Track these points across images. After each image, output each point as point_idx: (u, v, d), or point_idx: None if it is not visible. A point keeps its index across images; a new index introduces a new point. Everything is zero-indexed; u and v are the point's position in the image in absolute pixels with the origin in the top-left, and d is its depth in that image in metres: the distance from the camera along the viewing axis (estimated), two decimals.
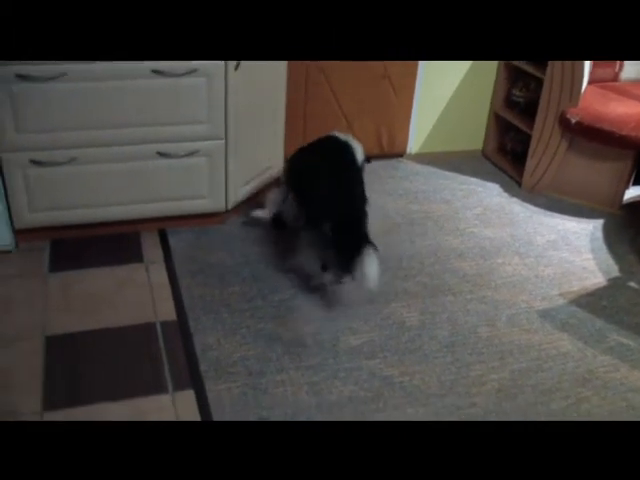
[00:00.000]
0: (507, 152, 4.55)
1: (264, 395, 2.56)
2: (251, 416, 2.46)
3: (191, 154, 3.25)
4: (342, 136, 3.40)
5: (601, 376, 2.85)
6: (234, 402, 2.51)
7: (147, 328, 2.83)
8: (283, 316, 2.97)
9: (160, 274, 3.15)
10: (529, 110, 4.28)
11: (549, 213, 3.96)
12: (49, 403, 2.44)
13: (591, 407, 2.70)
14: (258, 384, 2.61)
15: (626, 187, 4.19)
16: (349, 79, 4.07)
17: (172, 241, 3.37)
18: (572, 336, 3.04)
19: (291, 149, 3.65)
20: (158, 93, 3.07)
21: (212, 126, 3.24)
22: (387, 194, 4.00)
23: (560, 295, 3.29)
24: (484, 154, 4.65)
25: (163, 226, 3.44)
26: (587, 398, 2.74)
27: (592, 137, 3.96)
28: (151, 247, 3.33)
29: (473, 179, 4.28)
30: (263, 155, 3.63)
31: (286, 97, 3.64)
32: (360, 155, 3.33)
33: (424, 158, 4.48)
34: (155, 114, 3.12)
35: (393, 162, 4.42)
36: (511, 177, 4.34)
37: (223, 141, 3.30)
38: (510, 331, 3.02)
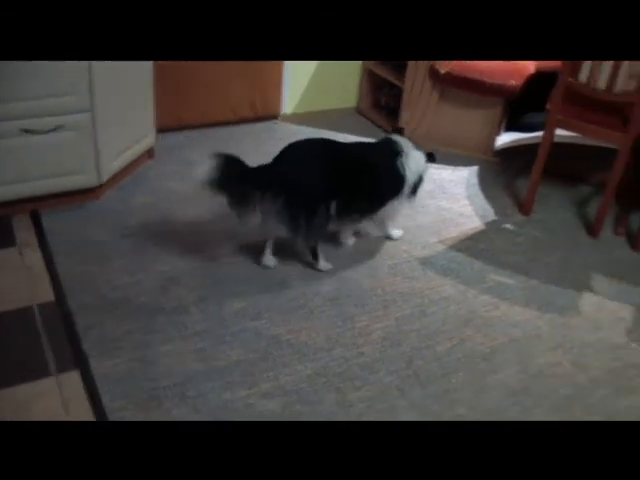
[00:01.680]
0: (382, 107, 4.66)
1: (151, 367, 2.56)
2: (140, 392, 2.46)
3: (57, 129, 3.17)
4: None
5: (483, 315, 2.99)
6: (121, 378, 2.50)
7: (24, 312, 2.76)
8: (165, 287, 2.96)
9: (35, 256, 3.08)
10: (401, 65, 4.37)
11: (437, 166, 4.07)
12: None
13: (474, 345, 2.83)
14: (144, 357, 2.61)
15: (497, 134, 4.37)
16: None
17: (46, 221, 3.29)
18: (453, 280, 3.17)
19: (163, 118, 3.62)
20: (18, 65, 2.96)
21: (77, 98, 3.16)
22: (263, 155, 3.99)
23: (440, 242, 3.42)
24: (359, 111, 4.74)
25: (36, 207, 3.35)
26: (470, 337, 2.87)
27: (462, 86, 4.09)
28: (24, 229, 3.24)
29: (350, 136, 4.34)
30: (134, 125, 3.59)
31: (153, 65, 3.59)
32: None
33: (300, 118, 4.52)
34: (15, 88, 3.01)
35: (269, 124, 4.45)
36: (387, 131, 4.42)
37: (89, 113, 3.23)
38: (392, 281, 3.12)
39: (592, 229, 3.66)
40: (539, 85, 3.98)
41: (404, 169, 3.18)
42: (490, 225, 3.62)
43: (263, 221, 2.96)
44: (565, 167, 4.27)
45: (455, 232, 3.51)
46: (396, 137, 3.29)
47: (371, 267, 3.20)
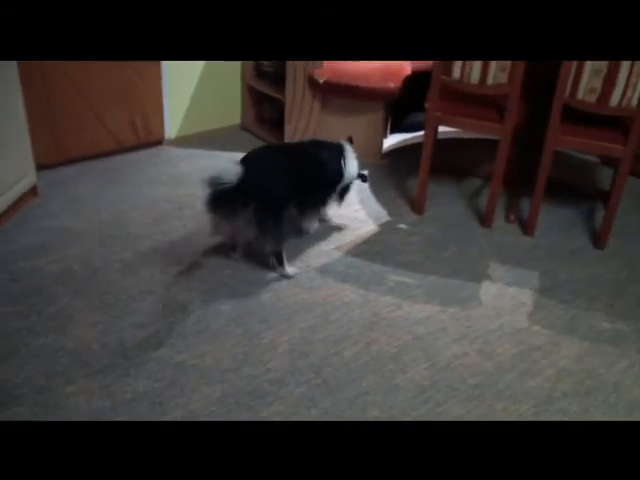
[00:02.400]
0: (265, 121, 4.68)
1: (56, 410, 2.49)
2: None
3: None
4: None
5: (386, 316, 3.03)
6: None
7: None
8: (63, 326, 2.89)
9: None
10: (279, 78, 4.40)
11: None
12: None
13: (381, 347, 2.87)
14: (47, 401, 2.53)
15: (384, 136, 4.45)
16: (90, 70, 3.96)
17: None
18: (353, 285, 3.21)
19: (44, 152, 3.52)
20: None
21: None
22: (151, 183, 3.98)
23: (336, 248, 3.45)
24: (244, 127, 4.75)
25: None
26: (376, 339, 2.91)
27: (341, 93, 4.16)
28: None
29: (237, 153, 4.33)
30: (11, 163, 3.48)
31: (23, 97, 3.50)
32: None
33: (185, 141, 4.50)
34: None
35: (153, 150, 4.40)
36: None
37: None
38: (293, 292, 3.13)
39: (484, 220, 3.77)
40: (419, 85, 4.08)
41: (344, 168, 3.44)
42: (385, 227, 3.68)
43: (239, 231, 3.17)
44: (453, 162, 4.39)
45: (351, 237, 3.56)
46: (345, 144, 3.54)
47: (270, 281, 3.20)
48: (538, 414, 2.64)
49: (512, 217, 3.86)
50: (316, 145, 3.47)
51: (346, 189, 3.56)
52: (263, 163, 3.18)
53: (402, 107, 4.49)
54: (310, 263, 3.34)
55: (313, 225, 3.61)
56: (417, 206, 3.82)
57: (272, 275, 3.24)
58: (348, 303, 3.09)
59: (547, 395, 2.74)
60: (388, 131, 4.62)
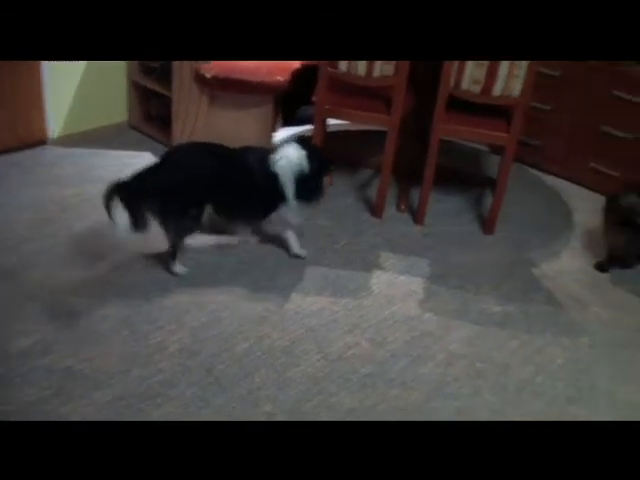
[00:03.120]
0: (154, 118, 4.62)
1: None
2: None
3: None
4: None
5: (277, 311, 3.06)
6: None
7: None
8: None
9: None
10: (166, 73, 4.35)
11: None
12: None
13: (272, 341, 2.89)
14: None
15: (274, 130, 4.46)
16: None
17: None
18: (246, 281, 3.23)
19: None
20: None
21: None
22: (35, 184, 3.88)
23: (227, 246, 3.45)
24: (131, 125, 4.67)
25: None
26: (267, 334, 2.93)
27: (229, 88, 4.14)
28: None
29: (124, 152, 4.29)
30: None
31: None
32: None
33: (70, 140, 4.39)
34: None
35: (37, 150, 4.27)
36: (162, 143, 4.40)
37: None
38: (183, 291, 3.12)
39: (375, 210, 3.84)
40: (309, 78, 4.11)
41: (279, 170, 3.19)
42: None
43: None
44: (344, 154, 4.44)
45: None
46: (286, 146, 3.27)
47: (159, 281, 3.17)
48: (429, 400, 2.71)
49: (403, 207, 3.94)
50: (254, 155, 3.26)
51: (305, 184, 3.24)
52: (180, 157, 3.22)
53: (292, 100, 4.51)
54: (200, 260, 3.32)
55: (244, 234, 3.51)
56: None
57: (162, 275, 3.21)
58: (238, 299, 3.10)
59: (438, 380, 2.82)
60: (279, 125, 4.63)
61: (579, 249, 3.84)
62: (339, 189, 4.07)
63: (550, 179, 4.58)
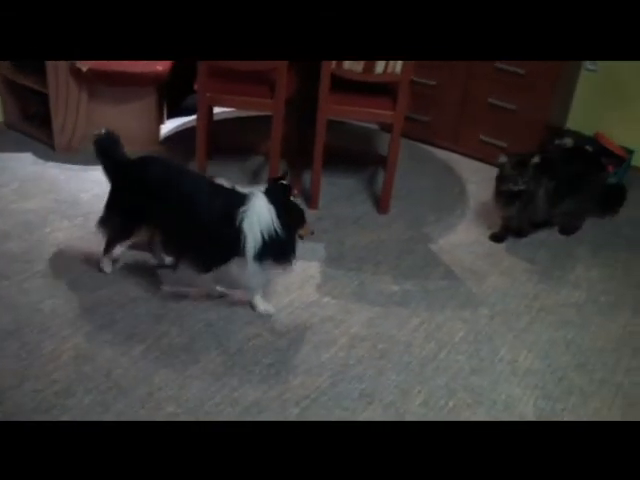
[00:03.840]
0: (32, 117, 4.47)
1: None
2: None
3: None
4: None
5: (174, 307, 3.03)
6: None
7: None
8: None
9: None
10: (40, 68, 4.20)
11: (90, 168, 3.96)
12: None
13: (171, 339, 2.86)
14: None
15: (161, 122, 4.40)
16: None
17: None
18: (138, 279, 3.18)
19: None
20: None
21: None
22: None
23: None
24: (8, 125, 4.50)
25: None
26: (166, 332, 2.89)
27: (108, 81, 4.05)
28: None
29: (2, 154, 4.14)
30: None
31: None
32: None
33: None
34: None
35: None
36: (43, 142, 4.27)
37: None
38: (74, 296, 3.05)
39: None
40: (194, 66, 4.04)
41: (246, 226, 2.83)
42: None
43: None
44: (234, 141, 4.42)
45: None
46: (255, 198, 2.89)
47: (48, 287, 3.08)
48: (335, 384, 2.73)
49: (295, 191, 3.92)
50: (221, 195, 2.95)
51: (273, 246, 2.88)
52: (140, 165, 3.05)
53: (177, 90, 4.45)
54: (91, 262, 3.24)
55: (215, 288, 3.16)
56: None
57: (52, 280, 3.12)
58: (134, 299, 3.04)
59: (342, 364, 2.83)
60: (165, 116, 4.56)
61: (474, 221, 3.93)
62: (230, 177, 4.01)
63: (442, 154, 4.67)
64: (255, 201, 2.85)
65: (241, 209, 2.82)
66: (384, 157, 3.97)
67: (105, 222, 3.09)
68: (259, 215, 2.83)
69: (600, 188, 3.97)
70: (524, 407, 2.76)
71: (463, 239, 3.75)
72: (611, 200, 4.09)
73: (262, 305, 3.07)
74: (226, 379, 2.70)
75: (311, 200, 3.82)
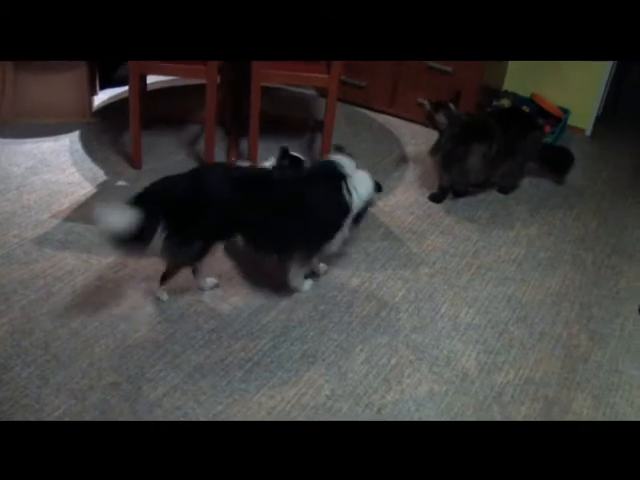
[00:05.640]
0: None
1: None
2: None
3: None
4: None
5: (112, 277, 3.03)
6: None
7: None
8: None
9: None
10: None
11: (20, 141, 3.93)
12: None
13: (110, 309, 2.87)
14: None
15: (93, 93, 4.34)
16: None
17: None
18: (74, 251, 3.14)
19: None
20: None
21: None
22: None
23: (53, 217, 3.35)
24: None
25: None
26: (104, 302, 2.90)
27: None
28: None
29: None
30: None
31: None
32: None
33: None
34: None
35: None
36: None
37: None
38: (8, 270, 3.00)
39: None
40: None
41: (349, 196, 2.85)
42: (103, 187, 3.62)
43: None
44: (170, 111, 4.40)
45: (67, 203, 3.46)
46: (337, 158, 2.94)
47: None
48: (276, 346, 2.76)
49: (233, 158, 3.94)
50: (301, 178, 2.92)
51: (363, 212, 3.00)
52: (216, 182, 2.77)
53: (109, 60, 4.41)
54: (25, 236, 3.20)
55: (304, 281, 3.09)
56: (134, 161, 3.78)
57: None
58: (70, 271, 3.03)
59: (284, 326, 2.87)
60: (97, 87, 4.51)
61: (413, 183, 3.99)
62: (167, 147, 4.02)
63: (380, 117, 4.71)
64: (351, 171, 2.89)
65: (343, 183, 2.84)
66: (321, 122, 3.99)
67: (176, 252, 2.78)
68: (362, 183, 2.90)
69: (538, 148, 4.05)
70: (466, 362, 2.83)
71: (402, 200, 3.80)
72: (559, 163, 4.17)
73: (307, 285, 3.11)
74: (168, 346, 2.71)
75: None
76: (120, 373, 2.57)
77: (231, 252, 3.23)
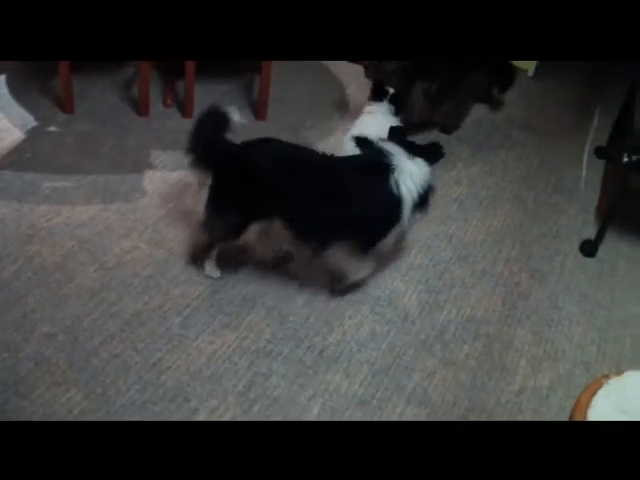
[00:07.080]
0: None
1: None
2: None
3: None
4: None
5: (45, 225, 2.94)
6: None
7: None
8: None
9: None
10: None
11: None
12: None
13: (43, 259, 2.79)
14: None
15: None
16: None
17: None
18: (4, 199, 3.05)
19: None
20: None
21: None
22: None
23: None
24: None
25: None
26: (37, 252, 2.82)
27: None
28: None
29: None
30: None
31: None
32: None
33: None
34: None
35: None
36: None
37: None
38: None
39: (140, 108, 3.74)
40: None
41: (398, 191, 2.64)
42: (33, 132, 3.51)
43: None
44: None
45: None
46: (388, 146, 2.73)
47: None
48: (216, 291, 2.76)
49: (169, 102, 3.87)
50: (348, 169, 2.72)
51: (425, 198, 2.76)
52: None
53: None
54: None
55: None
56: (65, 105, 3.67)
57: None
58: (1, 220, 2.95)
59: (224, 272, 2.85)
60: None
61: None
62: (99, 91, 3.91)
63: None
64: (399, 160, 2.67)
65: (391, 176, 2.63)
66: (259, 63, 3.93)
67: (212, 222, 2.72)
68: (414, 173, 2.68)
69: (482, 89, 4.06)
70: (408, 301, 2.86)
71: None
72: (501, 78, 4.17)
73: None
74: (104, 294, 2.67)
75: (185, 109, 3.76)
76: (55, 323, 2.53)
77: (164, 197, 3.18)
